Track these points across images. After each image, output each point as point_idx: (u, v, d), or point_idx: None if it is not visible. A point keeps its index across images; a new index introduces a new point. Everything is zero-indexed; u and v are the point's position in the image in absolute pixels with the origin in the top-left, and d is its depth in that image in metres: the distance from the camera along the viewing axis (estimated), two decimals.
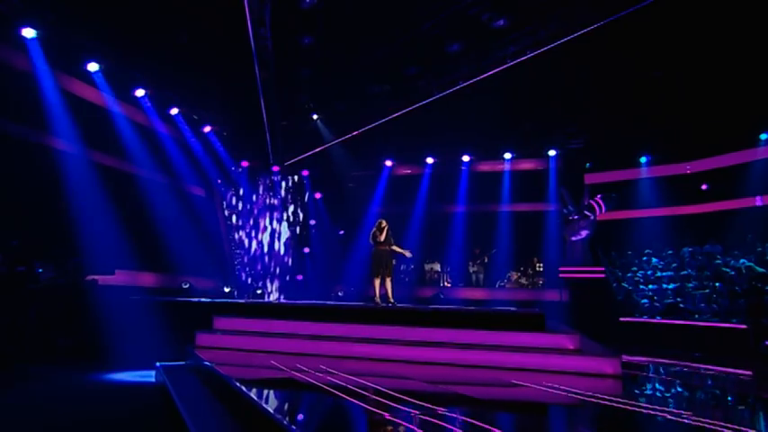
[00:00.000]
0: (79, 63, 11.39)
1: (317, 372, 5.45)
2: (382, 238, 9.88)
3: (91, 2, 10.76)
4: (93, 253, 10.94)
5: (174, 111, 14.02)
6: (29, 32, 9.92)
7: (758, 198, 14.56)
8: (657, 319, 12.23)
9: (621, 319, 12.80)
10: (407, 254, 10.38)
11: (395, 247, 10.11)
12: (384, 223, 10.02)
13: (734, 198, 15.08)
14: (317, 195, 19.87)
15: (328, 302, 7.45)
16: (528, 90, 14.88)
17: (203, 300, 8.47)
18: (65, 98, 11.25)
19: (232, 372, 5.43)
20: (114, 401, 6.09)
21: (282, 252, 19.27)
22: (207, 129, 15.40)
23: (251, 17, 11.51)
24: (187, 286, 12.03)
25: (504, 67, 13.23)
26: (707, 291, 12.59)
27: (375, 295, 9.94)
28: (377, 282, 9.94)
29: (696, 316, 11.90)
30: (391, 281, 10.08)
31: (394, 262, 10.26)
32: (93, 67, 11.46)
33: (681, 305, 12.53)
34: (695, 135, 15.50)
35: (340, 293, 16.37)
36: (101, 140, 12.49)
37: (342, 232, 20.00)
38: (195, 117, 15.05)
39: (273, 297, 18.22)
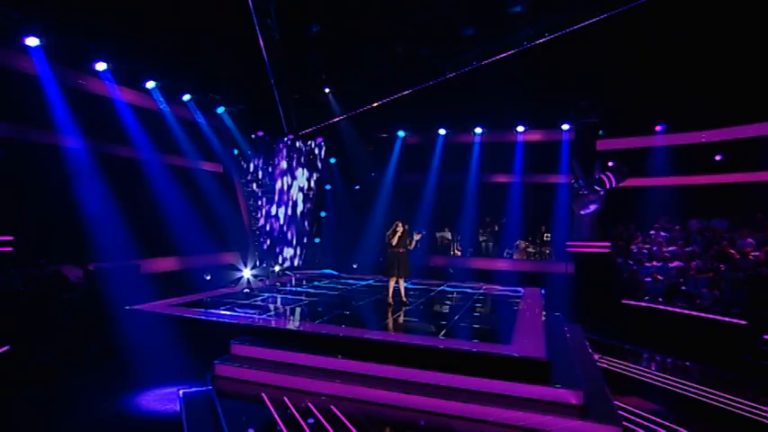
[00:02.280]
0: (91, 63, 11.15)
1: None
2: (396, 241, 9.80)
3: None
4: (112, 245, 11.34)
5: (187, 97, 13.72)
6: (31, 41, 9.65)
7: None
8: (657, 305, 12.01)
9: (624, 301, 12.61)
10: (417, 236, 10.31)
11: (410, 246, 10.02)
12: (400, 227, 9.86)
13: (748, 171, 14.40)
14: (332, 160, 19.66)
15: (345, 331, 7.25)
16: (543, 64, 13.95)
17: (224, 320, 8.51)
18: (76, 96, 11.21)
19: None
20: None
21: (300, 216, 19.43)
22: (220, 109, 15.05)
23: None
24: (209, 278, 12.24)
25: (521, 48, 12.37)
26: (710, 275, 12.27)
27: (388, 294, 10.06)
28: (392, 282, 10.03)
29: (698, 302, 11.68)
30: (405, 279, 10.14)
31: (408, 257, 10.22)
32: (100, 66, 11.18)
33: (683, 287, 12.29)
34: (714, 104, 14.56)
35: (354, 266, 16.51)
36: (109, 131, 12.49)
37: (357, 187, 19.90)
38: (213, 97, 14.80)
39: (296, 263, 18.68)
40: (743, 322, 10.28)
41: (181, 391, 7.13)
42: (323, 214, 19.67)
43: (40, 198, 10.71)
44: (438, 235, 18.42)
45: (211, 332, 8.37)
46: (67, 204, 11.13)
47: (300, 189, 19.13)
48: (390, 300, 10.01)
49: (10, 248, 9.20)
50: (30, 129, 10.84)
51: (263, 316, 8.61)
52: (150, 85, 12.45)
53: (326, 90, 15.98)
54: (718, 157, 15.30)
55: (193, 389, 7.21)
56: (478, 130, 16.99)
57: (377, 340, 6.99)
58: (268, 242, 18.64)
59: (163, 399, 7.38)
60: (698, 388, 7.85)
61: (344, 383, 6.38)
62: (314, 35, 12.57)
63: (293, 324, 8.18)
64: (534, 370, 6.01)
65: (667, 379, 8.36)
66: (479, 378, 5.99)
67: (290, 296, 11.41)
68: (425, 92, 14.73)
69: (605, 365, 8.87)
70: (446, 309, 9.73)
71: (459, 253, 17.76)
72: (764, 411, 6.88)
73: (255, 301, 10.49)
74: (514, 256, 17.02)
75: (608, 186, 14.86)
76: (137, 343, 8.62)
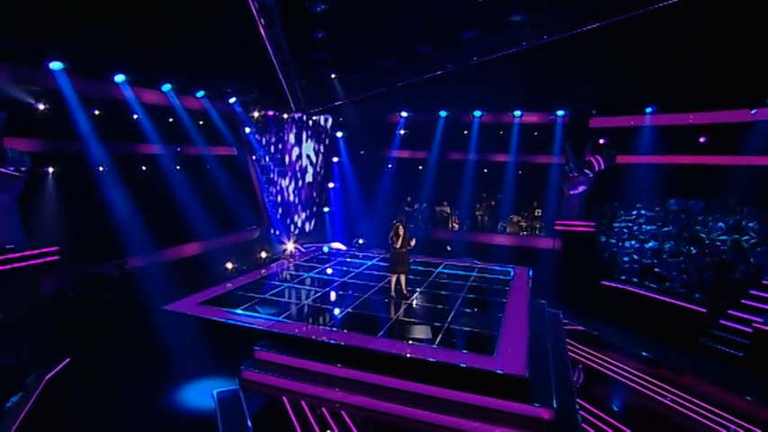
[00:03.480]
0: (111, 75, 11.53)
1: None
2: (399, 243, 10.57)
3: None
4: (140, 240, 12.23)
5: (200, 93, 14.06)
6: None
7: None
8: (631, 287, 12.81)
9: (603, 282, 13.45)
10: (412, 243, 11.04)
11: (409, 246, 10.77)
12: (401, 229, 10.60)
13: (728, 154, 14.77)
14: (339, 134, 20.01)
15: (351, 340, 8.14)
16: (540, 55, 14.01)
17: (246, 325, 9.44)
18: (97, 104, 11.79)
19: None
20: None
21: (309, 186, 20.10)
22: (232, 100, 15.37)
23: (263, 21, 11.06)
24: (231, 266, 13.12)
25: (519, 48, 12.48)
26: (681, 258, 13.01)
27: (391, 288, 10.94)
28: (394, 277, 10.90)
29: (667, 284, 12.50)
30: (405, 276, 10.97)
31: (411, 260, 11.11)
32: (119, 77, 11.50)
33: (656, 269, 13.06)
34: (704, 88, 14.64)
35: (360, 241, 17.33)
36: (128, 132, 13.13)
37: (363, 152, 20.41)
38: (226, 90, 15.13)
39: (307, 229, 19.58)
40: (702, 310, 11.20)
41: (214, 391, 8.22)
42: (331, 185, 20.35)
43: (74, 203, 11.47)
44: (438, 209, 19.15)
45: (236, 334, 9.36)
46: (98, 206, 11.95)
47: (309, 161, 19.70)
48: (393, 293, 10.91)
49: (57, 257, 10.12)
50: (60, 141, 11.45)
51: (280, 318, 9.51)
52: (166, 87, 12.82)
53: (332, 76, 16.19)
54: (702, 139, 15.65)
55: (224, 389, 8.27)
56: (478, 113, 17.28)
57: (379, 352, 7.93)
58: (280, 211, 19.50)
59: (198, 395, 8.50)
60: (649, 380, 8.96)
61: (352, 393, 7.40)
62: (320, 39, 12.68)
63: (306, 330, 9.02)
64: (515, 386, 6.91)
65: (628, 371, 9.42)
66: (466, 393, 6.96)
67: (301, 287, 12.17)
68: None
69: (579, 357, 10.00)
70: (441, 305, 10.55)
71: (457, 226, 18.54)
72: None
73: (273, 291, 11.44)
74: (508, 230, 17.81)
75: (597, 169, 15.30)
76: (171, 340, 9.64)
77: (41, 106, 10.96)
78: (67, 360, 8.08)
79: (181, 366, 9.13)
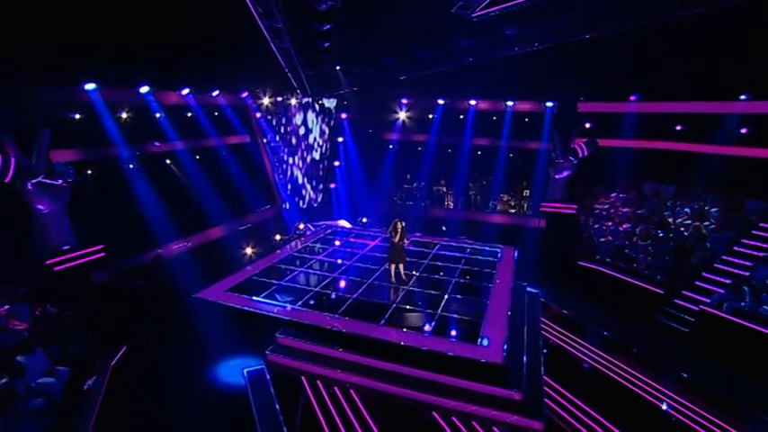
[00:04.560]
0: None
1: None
2: (397, 238, 11.71)
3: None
4: (168, 230, 13.54)
5: (216, 92, 14.84)
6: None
7: None
8: (603, 269, 14.06)
9: (580, 262, 14.70)
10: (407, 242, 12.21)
11: (405, 241, 11.97)
12: (399, 226, 11.67)
13: (700, 143, 15.60)
14: (343, 115, 20.74)
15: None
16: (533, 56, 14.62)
17: (268, 313, 10.72)
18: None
19: None
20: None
21: (316, 163, 21.09)
22: (244, 94, 16.12)
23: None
24: (251, 251, 14.36)
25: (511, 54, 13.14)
26: (648, 242, 14.20)
27: (391, 276, 12.19)
28: (393, 267, 12.10)
29: (634, 265, 13.75)
30: (404, 264, 12.18)
31: (406, 250, 12.26)
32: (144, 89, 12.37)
33: (627, 251, 14.29)
34: (685, 81, 15.35)
35: (364, 220, 18.49)
36: (151, 133, 14.05)
37: (371, 131, 21.27)
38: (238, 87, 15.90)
39: (315, 203, 20.78)
40: (660, 291, 12.53)
41: (244, 370, 9.69)
42: (336, 164, 21.32)
43: (111, 202, 12.61)
44: (435, 188, 20.21)
45: (260, 320, 10.72)
46: (131, 202, 13.10)
47: (315, 141, 20.61)
48: (393, 279, 12.21)
49: (102, 254, 11.39)
50: (94, 147, 12.44)
51: (297, 306, 10.76)
52: (185, 92, 13.64)
53: (337, 68, 16.82)
54: (678, 127, 16.44)
55: (252, 368, 9.73)
56: (473, 102, 18.01)
57: (380, 340, 9.28)
58: (289, 187, 20.62)
59: (231, 372, 9.95)
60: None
61: (357, 375, 8.83)
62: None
63: (318, 319, 10.24)
64: (492, 373, 8.26)
65: (589, 349, 10.83)
66: (451, 377, 8.36)
67: (313, 272, 13.24)
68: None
69: (551, 337, 11.39)
70: (434, 290, 11.83)
71: (452, 204, 19.66)
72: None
73: (288, 277, 12.69)
74: (498, 207, 18.95)
75: (580, 155, 16.23)
76: (205, 324, 10.96)
77: (77, 116, 11.87)
78: (124, 348, 9.52)
79: (214, 348, 10.60)
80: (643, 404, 9.13)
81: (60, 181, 10.42)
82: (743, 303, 10.64)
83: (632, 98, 16.89)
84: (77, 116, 11.81)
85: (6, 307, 8.61)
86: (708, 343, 10.64)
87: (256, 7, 11.41)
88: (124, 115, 12.91)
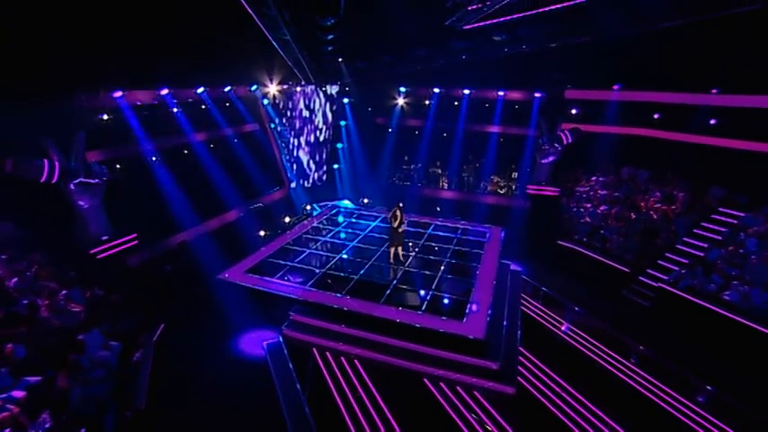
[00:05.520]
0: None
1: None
2: (396, 223, 12.82)
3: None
4: (189, 216, 14.68)
5: (228, 88, 15.70)
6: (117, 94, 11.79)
7: None
8: (579, 248, 15.30)
9: (560, 242, 15.93)
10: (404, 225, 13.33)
11: (404, 225, 13.10)
12: (399, 212, 12.72)
13: (674, 131, 16.51)
14: (345, 100, 21.50)
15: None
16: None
17: (282, 293, 11.94)
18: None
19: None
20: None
21: (320, 145, 22.01)
22: (254, 87, 16.94)
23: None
24: (264, 234, 15.59)
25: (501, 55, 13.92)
26: (621, 224, 15.36)
27: (390, 257, 13.36)
28: (392, 249, 13.28)
29: (608, 245, 14.95)
30: (401, 246, 13.36)
31: (403, 233, 13.36)
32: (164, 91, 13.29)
33: (602, 231, 15.46)
34: (662, 73, 16.19)
35: (365, 201, 19.56)
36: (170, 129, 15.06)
37: (375, 110, 22.11)
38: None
39: (321, 180, 21.84)
40: (626, 270, 13.81)
41: (264, 342, 11.12)
42: (339, 146, 22.22)
43: (137, 194, 13.73)
44: (430, 169, 21.21)
45: (276, 299, 11.99)
46: (156, 192, 14.22)
47: (319, 124, 21.46)
48: (392, 260, 13.43)
49: (135, 242, 12.62)
50: (121, 146, 13.49)
51: (307, 287, 11.81)
52: (200, 90, 14.52)
53: (339, 60, 17.54)
54: (656, 116, 17.30)
55: (271, 341, 11.16)
56: (467, 91, 18.83)
57: (379, 317, 10.56)
58: (295, 167, 21.62)
59: (252, 343, 11.38)
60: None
61: (360, 348, 10.23)
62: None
63: (326, 298, 11.37)
64: (474, 346, 9.59)
65: (563, 325, 12.19)
66: (440, 350, 9.72)
67: (320, 253, 14.23)
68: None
69: (529, 312, 12.71)
70: (428, 270, 13.03)
71: (447, 185, 20.73)
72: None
73: (299, 258, 13.89)
74: (488, 188, 20.04)
75: (565, 143, 17.22)
76: (227, 301, 12.23)
77: (105, 117, 12.84)
78: (163, 325, 10.88)
79: (237, 323, 11.98)
80: (599, 371, 10.53)
81: (97, 180, 11.52)
82: (695, 281, 11.94)
83: (615, 87, 17.66)
84: (105, 117, 12.76)
85: (64, 292, 9.89)
86: (664, 316, 12.02)
87: (265, 26, 12.25)
88: (146, 113, 13.84)
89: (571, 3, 10.53)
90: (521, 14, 10.65)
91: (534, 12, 10.90)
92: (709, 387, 9.72)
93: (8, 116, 9.62)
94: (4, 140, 9.73)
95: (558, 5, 10.64)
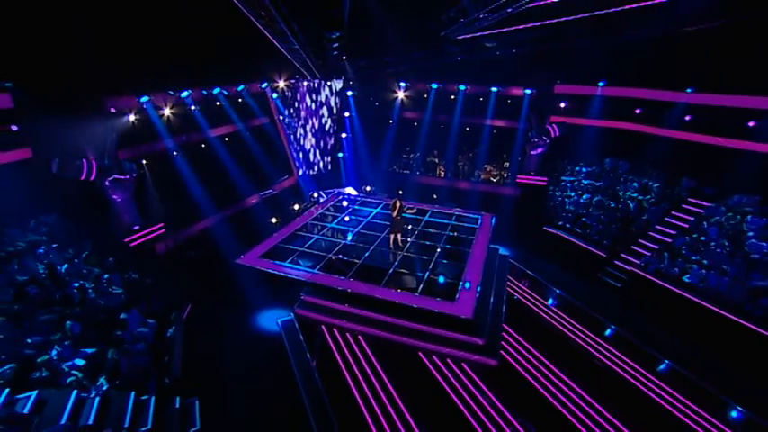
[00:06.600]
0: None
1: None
2: (396, 213, 13.82)
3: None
4: (208, 205, 15.77)
5: (240, 87, 16.57)
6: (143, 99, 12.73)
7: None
8: (562, 234, 16.33)
9: (545, 228, 16.96)
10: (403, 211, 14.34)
11: (406, 210, 14.08)
12: (398, 203, 13.68)
13: (653, 125, 17.30)
14: (349, 93, 22.20)
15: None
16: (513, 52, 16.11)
17: (293, 276, 13.02)
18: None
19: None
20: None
21: (325, 134, 22.84)
22: (264, 84, 17.77)
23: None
24: (276, 221, 16.62)
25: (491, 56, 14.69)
26: (600, 212, 16.35)
27: (390, 242, 14.38)
28: (392, 236, 14.30)
29: (588, 231, 15.99)
30: (401, 233, 14.38)
31: (405, 224, 14.35)
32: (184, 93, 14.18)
33: (584, 218, 16.48)
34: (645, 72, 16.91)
35: (369, 188, 20.53)
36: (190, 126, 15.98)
37: (377, 103, 22.92)
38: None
39: (327, 168, 22.74)
40: (603, 254, 14.90)
41: (279, 320, 12.33)
42: (344, 135, 23.05)
43: (161, 186, 14.79)
44: (428, 159, 22.12)
45: (288, 281, 13.10)
46: (178, 183, 15.25)
47: (325, 115, 22.25)
48: (392, 246, 14.51)
49: (163, 230, 13.73)
50: (147, 143, 14.45)
51: (315, 270, 12.88)
52: (215, 91, 15.42)
53: (344, 58, 18.29)
54: (637, 111, 18.05)
55: (284, 318, 12.38)
56: (462, 87, 19.64)
57: (381, 299, 11.71)
58: (301, 155, 22.53)
59: (268, 321, 12.61)
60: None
61: (363, 325, 11.39)
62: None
63: (333, 281, 12.48)
64: (464, 324, 10.71)
65: (543, 304, 13.33)
66: (434, 328, 10.86)
67: (326, 239, 15.09)
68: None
69: (514, 293, 13.85)
70: (425, 255, 14.07)
71: (443, 173, 21.68)
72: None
73: (307, 244, 14.89)
74: (482, 176, 20.98)
75: (553, 136, 18.08)
76: (245, 283, 13.47)
77: (132, 117, 13.77)
78: (190, 305, 12.07)
79: (254, 303, 13.18)
80: (572, 346, 11.74)
81: (128, 176, 12.56)
82: (662, 266, 13.04)
83: (600, 83, 18.39)
84: (132, 118, 13.69)
85: (106, 276, 11.05)
86: (634, 298, 13.16)
87: (274, 36, 13.03)
88: (167, 112, 14.76)
89: (553, 21, 11.31)
90: (510, 28, 11.39)
91: (522, 26, 11.66)
92: (667, 360, 10.90)
93: (53, 124, 10.62)
94: (50, 145, 10.76)
95: (538, 23, 11.43)
